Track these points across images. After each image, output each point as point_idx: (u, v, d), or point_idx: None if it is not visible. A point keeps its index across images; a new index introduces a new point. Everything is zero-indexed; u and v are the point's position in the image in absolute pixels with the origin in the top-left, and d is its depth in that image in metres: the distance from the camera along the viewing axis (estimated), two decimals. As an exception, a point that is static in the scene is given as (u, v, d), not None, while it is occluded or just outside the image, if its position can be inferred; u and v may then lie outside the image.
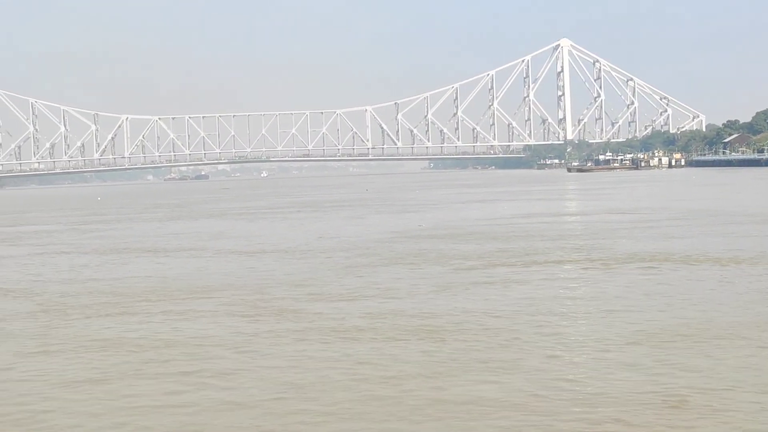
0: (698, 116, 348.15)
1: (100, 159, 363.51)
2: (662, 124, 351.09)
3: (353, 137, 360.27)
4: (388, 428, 13.20)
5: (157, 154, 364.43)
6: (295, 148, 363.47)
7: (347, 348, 18.39)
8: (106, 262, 38.27)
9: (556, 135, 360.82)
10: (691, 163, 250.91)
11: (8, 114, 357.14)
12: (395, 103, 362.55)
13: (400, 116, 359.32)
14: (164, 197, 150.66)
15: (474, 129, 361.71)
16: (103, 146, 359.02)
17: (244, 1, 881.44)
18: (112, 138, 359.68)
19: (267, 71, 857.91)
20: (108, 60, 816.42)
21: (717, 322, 19.63)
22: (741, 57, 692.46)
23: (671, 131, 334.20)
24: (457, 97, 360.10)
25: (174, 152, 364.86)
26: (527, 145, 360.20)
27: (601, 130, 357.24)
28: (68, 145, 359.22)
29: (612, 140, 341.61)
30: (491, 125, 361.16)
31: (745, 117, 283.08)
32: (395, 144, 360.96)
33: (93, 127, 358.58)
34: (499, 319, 20.86)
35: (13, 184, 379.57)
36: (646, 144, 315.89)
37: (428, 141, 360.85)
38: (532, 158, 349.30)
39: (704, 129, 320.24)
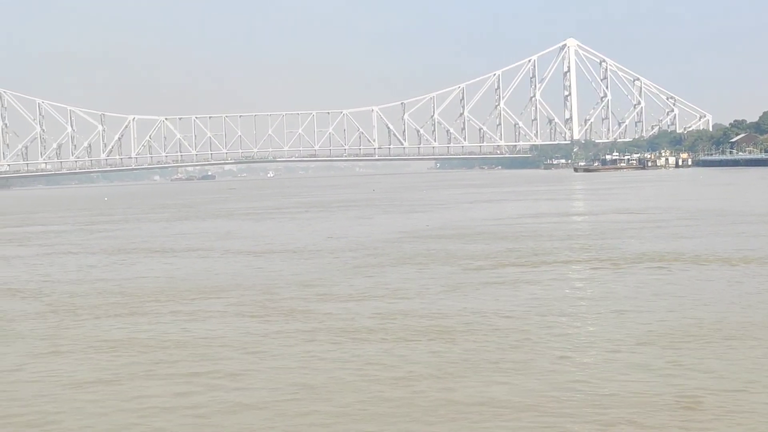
0: (705, 116, 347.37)
1: (107, 159, 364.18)
2: (669, 123, 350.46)
3: (360, 137, 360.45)
4: (400, 429, 13.14)
5: (163, 154, 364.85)
6: (301, 148, 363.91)
7: (357, 349, 18.34)
8: (115, 262, 38.30)
9: (563, 135, 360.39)
10: (698, 163, 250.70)
11: (15, 114, 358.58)
12: (402, 103, 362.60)
13: (406, 116, 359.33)
14: (171, 197, 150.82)
15: (480, 129, 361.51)
16: (110, 146, 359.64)
17: (244, 1, 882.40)
18: (119, 138, 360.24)
19: (268, 71, 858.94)
20: (108, 60, 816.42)
21: (728, 322, 19.56)
22: (742, 57, 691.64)
23: (678, 131, 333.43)
24: (463, 97, 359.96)
25: (181, 152, 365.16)
26: (534, 145, 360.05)
27: (608, 129, 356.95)
28: (75, 146, 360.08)
29: (619, 140, 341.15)
30: (498, 125, 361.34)
31: (752, 117, 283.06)
32: (402, 144, 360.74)
33: (100, 128, 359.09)
34: (509, 320, 20.81)
35: (20, 184, 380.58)
36: (653, 144, 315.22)
37: (435, 141, 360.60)
38: (539, 158, 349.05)
39: (711, 129, 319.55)
